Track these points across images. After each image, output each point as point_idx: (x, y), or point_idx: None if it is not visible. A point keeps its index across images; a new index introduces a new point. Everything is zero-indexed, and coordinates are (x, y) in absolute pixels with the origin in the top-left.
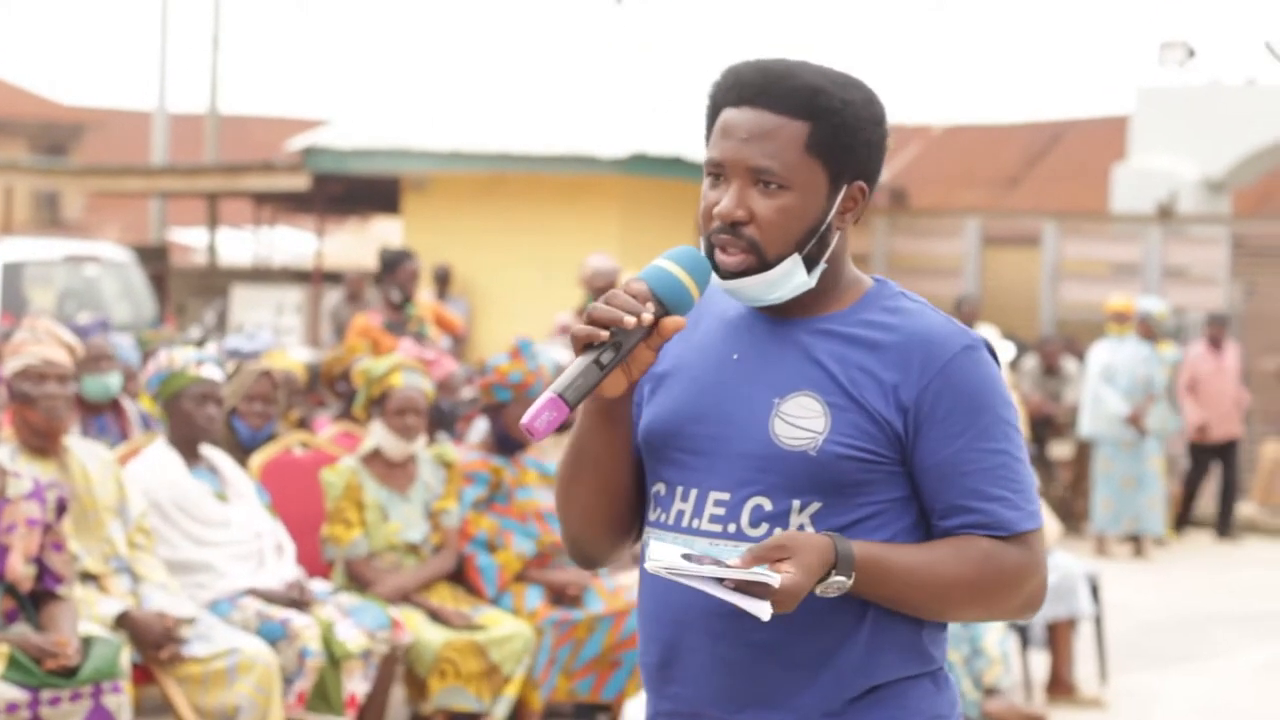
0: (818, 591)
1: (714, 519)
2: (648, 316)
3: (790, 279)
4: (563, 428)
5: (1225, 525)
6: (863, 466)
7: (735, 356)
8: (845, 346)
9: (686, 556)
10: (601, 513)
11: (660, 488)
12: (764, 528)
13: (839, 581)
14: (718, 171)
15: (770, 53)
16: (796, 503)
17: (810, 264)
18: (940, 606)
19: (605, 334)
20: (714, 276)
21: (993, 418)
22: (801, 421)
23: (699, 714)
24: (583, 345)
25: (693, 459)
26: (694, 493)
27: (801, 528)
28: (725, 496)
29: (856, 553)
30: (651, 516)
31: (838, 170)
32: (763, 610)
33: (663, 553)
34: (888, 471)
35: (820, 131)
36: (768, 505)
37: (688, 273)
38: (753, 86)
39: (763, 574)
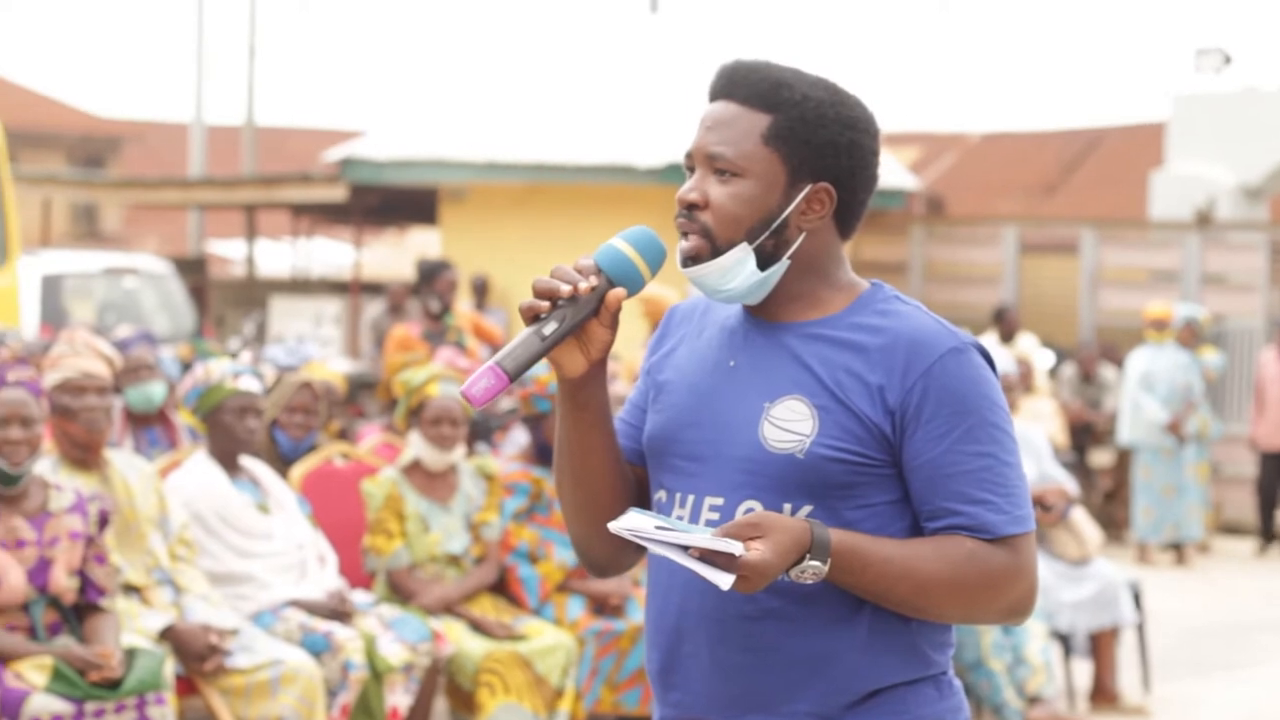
0: (791, 575)
1: (709, 524)
2: (584, 286)
3: (741, 268)
4: None
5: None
6: (850, 469)
7: (731, 363)
8: (834, 350)
9: (660, 528)
10: (585, 508)
11: (661, 495)
12: None
13: (814, 566)
14: (689, 164)
15: (799, 60)
16: (788, 506)
17: (766, 258)
18: (920, 602)
19: (545, 305)
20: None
21: (978, 420)
22: (789, 425)
23: (699, 719)
24: (529, 318)
25: (689, 465)
26: (690, 498)
27: None
28: (719, 501)
29: (834, 540)
30: None
31: (796, 165)
32: (723, 580)
33: (636, 521)
34: (878, 474)
35: (779, 123)
36: (759, 508)
37: (637, 251)
38: (724, 80)
39: (726, 543)
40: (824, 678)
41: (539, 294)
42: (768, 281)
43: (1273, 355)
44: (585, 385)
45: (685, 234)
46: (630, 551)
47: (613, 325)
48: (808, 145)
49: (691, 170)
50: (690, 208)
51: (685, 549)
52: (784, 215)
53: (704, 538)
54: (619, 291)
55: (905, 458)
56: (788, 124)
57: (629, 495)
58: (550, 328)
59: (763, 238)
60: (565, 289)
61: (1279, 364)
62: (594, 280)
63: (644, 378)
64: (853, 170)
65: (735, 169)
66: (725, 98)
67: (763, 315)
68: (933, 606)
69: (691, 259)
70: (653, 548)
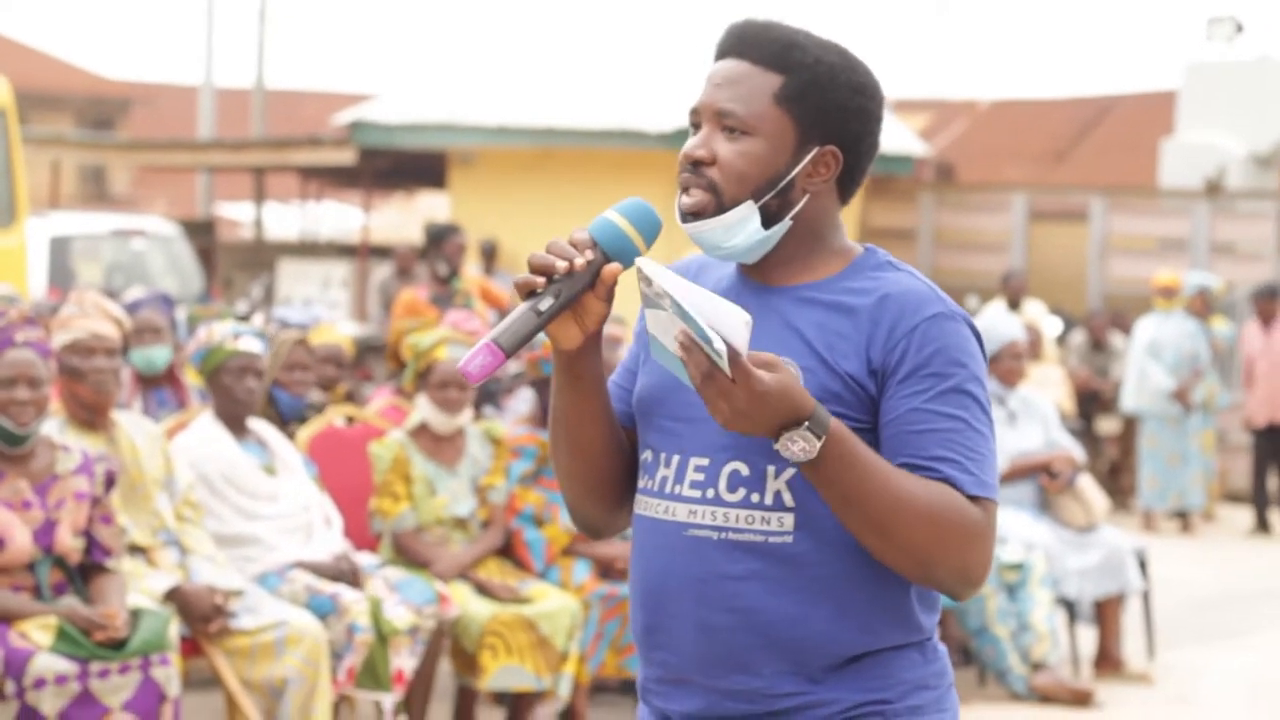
0: (779, 445)
1: (694, 484)
2: (580, 261)
3: (745, 226)
4: None
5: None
6: None
7: None
8: (823, 313)
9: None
10: (581, 476)
11: (647, 455)
12: (741, 493)
13: (807, 438)
14: (695, 120)
15: (811, 22)
16: (771, 468)
17: (769, 218)
18: (891, 524)
19: (541, 280)
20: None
21: (954, 385)
22: None
23: (683, 680)
24: (524, 293)
25: (676, 425)
26: (676, 459)
27: (779, 494)
28: (705, 462)
29: (832, 424)
30: (640, 484)
31: (807, 126)
32: (721, 349)
33: (657, 270)
34: (868, 437)
35: (791, 85)
36: (744, 470)
37: (632, 223)
38: (734, 38)
39: (732, 313)
40: (807, 640)
41: (534, 269)
42: (769, 240)
43: (1255, 328)
44: (581, 356)
45: (687, 189)
46: (624, 514)
47: (608, 298)
48: (819, 108)
49: (697, 127)
50: (696, 164)
51: (697, 327)
52: (791, 176)
53: (718, 303)
54: (614, 267)
55: (880, 412)
56: (799, 86)
57: (624, 460)
58: (546, 303)
59: (768, 197)
60: (561, 265)
61: (1263, 337)
62: (589, 255)
63: (635, 340)
64: (859, 135)
65: (745, 127)
66: (735, 56)
67: (756, 278)
68: (901, 535)
69: (694, 214)
70: (667, 294)
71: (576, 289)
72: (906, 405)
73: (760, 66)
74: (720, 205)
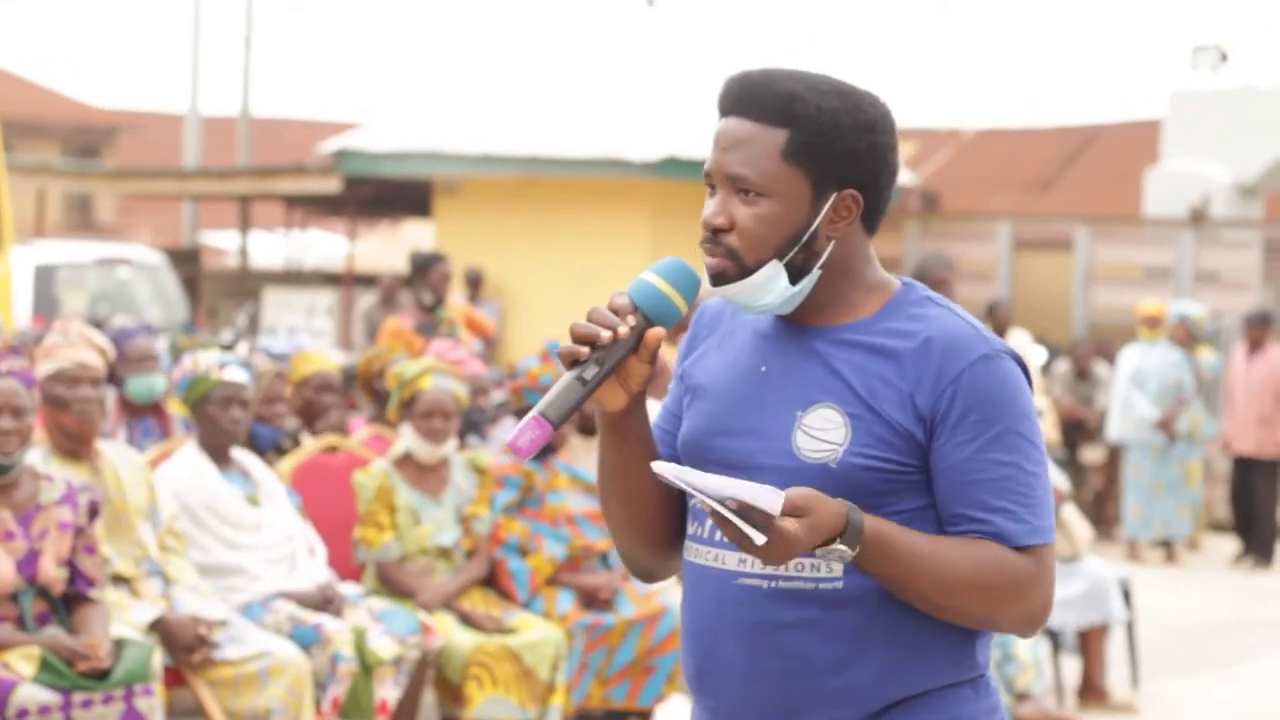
0: (818, 554)
1: None
2: (623, 330)
3: (773, 285)
4: (592, 432)
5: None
6: (883, 477)
7: (763, 369)
8: (865, 356)
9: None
10: (632, 525)
11: (695, 501)
12: None
13: (841, 550)
14: (709, 182)
15: (796, 56)
16: None
17: (797, 272)
18: (943, 600)
19: (586, 350)
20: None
21: (1005, 428)
22: (822, 434)
23: None
24: (569, 362)
25: (723, 472)
26: None
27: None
28: None
29: (867, 527)
30: (690, 530)
31: (820, 177)
32: (756, 536)
33: (678, 470)
34: (909, 481)
35: (798, 138)
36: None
37: (671, 284)
38: (733, 96)
39: (766, 494)
40: (859, 685)
41: (578, 339)
42: (800, 293)
43: (1241, 354)
44: (626, 416)
45: (710, 255)
46: (676, 558)
47: (651, 360)
48: (828, 156)
49: (712, 189)
50: (716, 231)
51: (724, 503)
52: (812, 228)
53: (744, 485)
54: (658, 332)
55: (932, 461)
56: (806, 138)
57: (673, 506)
58: (591, 371)
59: (792, 253)
60: (605, 335)
61: (1247, 363)
62: (631, 321)
63: (677, 383)
64: (876, 171)
65: (758, 189)
66: (738, 114)
67: (794, 318)
68: (955, 605)
69: (719, 277)
70: (691, 492)
71: (620, 355)
72: (960, 454)
73: (764, 124)
74: (744, 269)
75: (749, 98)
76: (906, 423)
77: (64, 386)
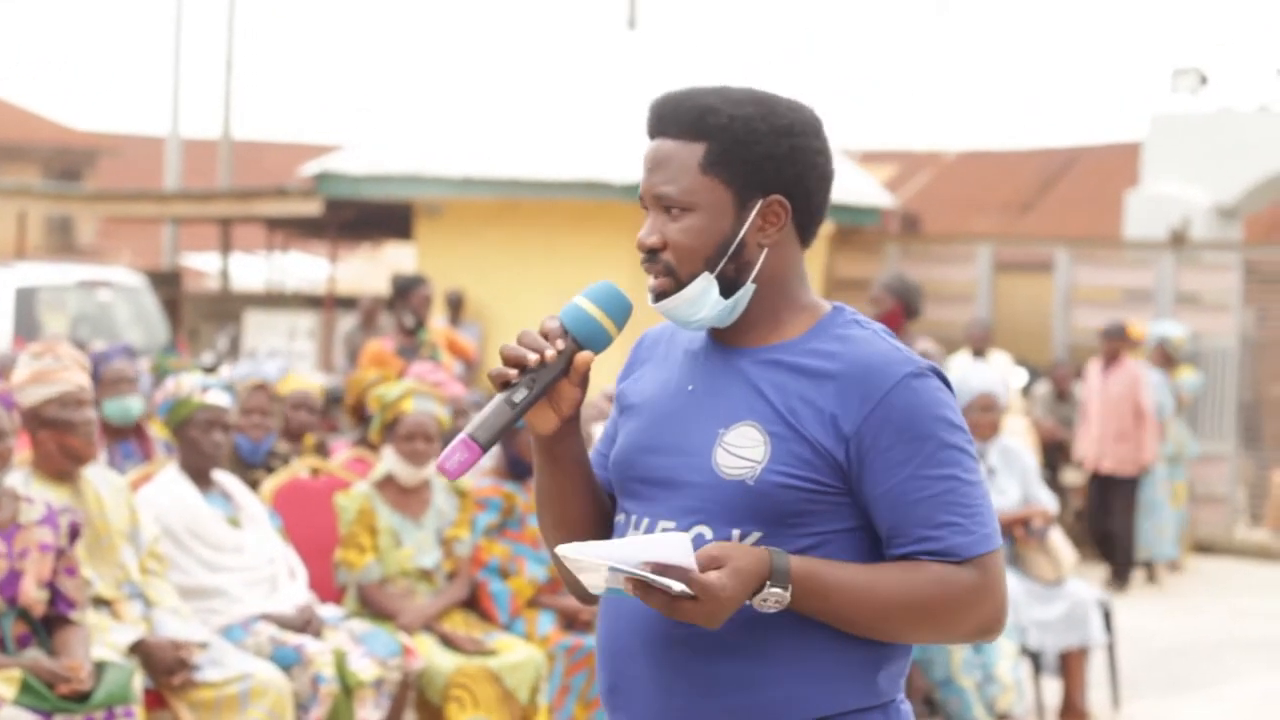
0: (754, 604)
1: None
2: (550, 353)
3: (706, 297)
4: None
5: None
6: (802, 496)
7: (690, 388)
8: (789, 376)
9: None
10: None
11: (620, 518)
12: None
13: (776, 593)
14: (643, 205)
15: (779, 82)
16: (736, 532)
17: (729, 283)
18: (886, 626)
19: (514, 373)
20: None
21: (937, 444)
22: (742, 451)
23: None
24: (499, 385)
25: (647, 489)
26: (645, 522)
27: None
28: (671, 525)
29: (793, 566)
30: None
31: (742, 185)
32: (677, 585)
33: (586, 548)
34: (832, 502)
35: (713, 150)
36: (709, 534)
37: (600, 309)
38: (655, 117)
39: (673, 543)
40: (767, 704)
41: (507, 362)
42: (736, 306)
43: (1097, 369)
44: (559, 440)
45: (650, 274)
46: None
47: (582, 384)
48: (746, 164)
49: (647, 211)
50: (651, 251)
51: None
52: (740, 236)
53: (648, 542)
54: (586, 355)
55: (865, 486)
56: (721, 149)
57: (607, 531)
58: (520, 394)
59: (722, 263)
60: (533, 357)
61: (1103, 378)
62: (560, 344)
63: (614, 406)
64: (799, 176)
65: (682, 205)
66: (659, 134)
67: (722, 340)
68: (898, 631)
69: (660, 294)
70: (598, 570)
71: (550, 378)
72: (897, 476)
73: (682, 140)
74: (680, 284)
75: (668, 117)
76: (828, 443)
77: (70, 409)
